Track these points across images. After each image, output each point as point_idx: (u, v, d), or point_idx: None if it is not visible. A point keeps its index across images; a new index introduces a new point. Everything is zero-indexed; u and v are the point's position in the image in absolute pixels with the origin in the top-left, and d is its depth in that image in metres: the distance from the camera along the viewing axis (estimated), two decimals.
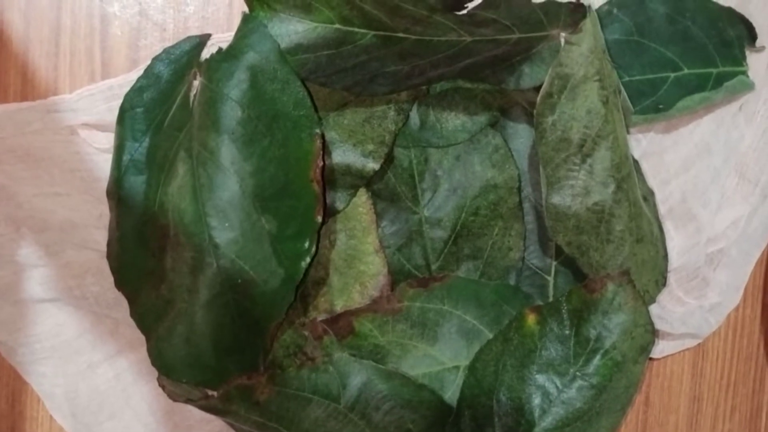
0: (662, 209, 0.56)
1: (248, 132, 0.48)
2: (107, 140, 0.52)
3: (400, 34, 0.49)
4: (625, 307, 0.51)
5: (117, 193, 0.50)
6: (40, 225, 0.53)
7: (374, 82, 0.50)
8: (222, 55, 0.48)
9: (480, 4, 0.49)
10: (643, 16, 0.54)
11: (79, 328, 0.55)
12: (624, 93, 0.53)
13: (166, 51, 0.51)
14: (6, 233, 0.53)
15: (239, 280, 0.48)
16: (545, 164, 0.50)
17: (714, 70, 0.54)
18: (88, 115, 0.52)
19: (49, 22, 0.53)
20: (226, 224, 0.48)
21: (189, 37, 0.51)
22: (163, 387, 0.52)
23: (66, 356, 0.55)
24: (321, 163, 0.49)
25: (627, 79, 0.54)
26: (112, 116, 0.51)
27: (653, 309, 0.55)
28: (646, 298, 0.53)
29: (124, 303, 0.52)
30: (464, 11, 0.50)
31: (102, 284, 0.54)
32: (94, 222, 0.53)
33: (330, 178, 0.52)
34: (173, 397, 0.52)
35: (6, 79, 0.54)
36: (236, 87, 0.48)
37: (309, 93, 0.49)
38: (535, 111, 0.50)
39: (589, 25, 0.49)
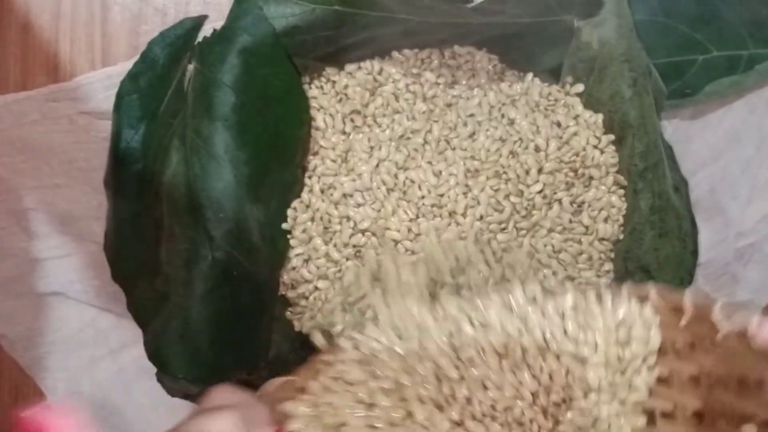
0: None
1: (242, 119, 0.46)
2: (106, 129, 0.51)
3: (403, 16, 0.46)
4: None
5: (113, 182, 0.49)
6: (41, 218, 0.52)
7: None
8: (215, 38, 0.47)
9: None
10: None
11: (81, 323, 0.54)
12: (656, 74, 0.50)
13: (162, 34, 0.49)
14: (7, 226, 0.52)
15: (235, 273, 0.46)
16: None
17: (745, 53, 0.51)
18: (87, 104, 0.51)
19: (49, 7, 0.52)
20: (221, 215, 0.46)
21: (185, 20, 0.49)
22: (161, 382, 0.51)
23: (68, 350, 0.54)
24: (308, 148, 0.47)
25: (652, 61, 0.50)
26: (111, 105, 0.50)
27: None
28: None
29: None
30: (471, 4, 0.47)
31: (102, 278, 0.52)
32: (93, 213, 0.52)
33: None
34: (171, 392, 0.51)
35: (6, 65, 0.52)
36: (229, 72, 0.46)
37: (300, 77, 0.47)
38: None
39: (613, 3, 0.46)
